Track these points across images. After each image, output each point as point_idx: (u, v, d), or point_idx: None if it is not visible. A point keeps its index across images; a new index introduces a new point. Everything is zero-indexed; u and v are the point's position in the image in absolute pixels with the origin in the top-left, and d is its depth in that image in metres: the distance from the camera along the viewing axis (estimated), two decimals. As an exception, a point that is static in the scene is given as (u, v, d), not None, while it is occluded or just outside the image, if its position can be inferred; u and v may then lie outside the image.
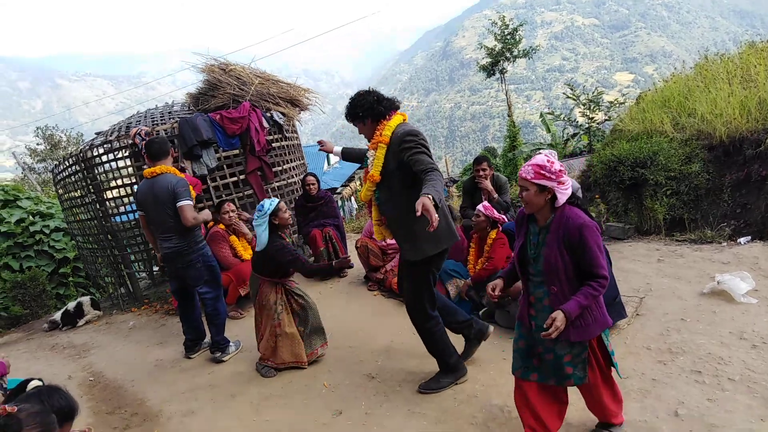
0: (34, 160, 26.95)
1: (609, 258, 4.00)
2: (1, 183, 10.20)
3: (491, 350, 3.85)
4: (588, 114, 15.74)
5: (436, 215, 2.60)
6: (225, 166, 6.46)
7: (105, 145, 6.44)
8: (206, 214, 4.29)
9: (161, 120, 6.63)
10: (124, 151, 6.43)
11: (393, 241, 4.64)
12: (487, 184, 5.47)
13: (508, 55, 27.01)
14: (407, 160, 3.01)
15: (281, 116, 6.95)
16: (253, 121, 6.41)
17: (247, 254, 5.73)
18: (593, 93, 16.23)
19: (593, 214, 6.73)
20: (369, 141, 3.27)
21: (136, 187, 6.54)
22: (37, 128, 27.76)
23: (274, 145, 6.89)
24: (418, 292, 3.33)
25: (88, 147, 6.55)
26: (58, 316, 6.40)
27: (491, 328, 3.76)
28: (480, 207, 4.69)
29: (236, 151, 6.51)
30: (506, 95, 28.70)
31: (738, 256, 4.95)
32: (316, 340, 4.15)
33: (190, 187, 4.27)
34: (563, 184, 2.35)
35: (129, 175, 6.61)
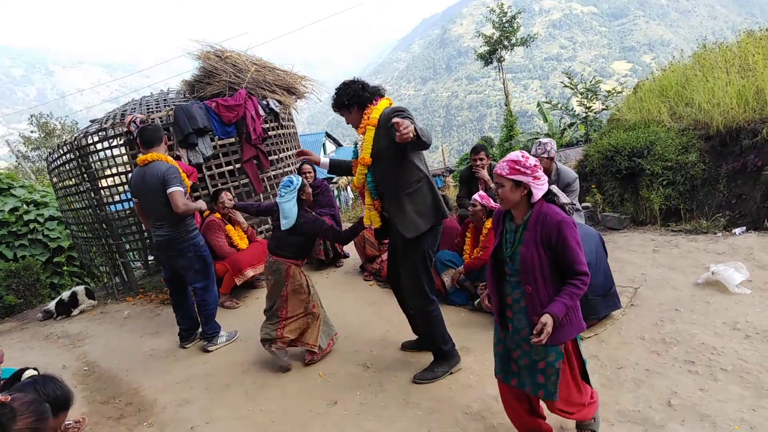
0: (28, 148, 26.81)
1: (605, 248, 4.01)
2: (-6, 171, 10.13)
3: (486, 340, 3.86)
4: (585, 103, 15.70)
5: (410, 126, 2.71)
6: (221, 155, 6.42)
7: (100, 133, 6.39)
8: (201, 204, 4.27)
9: (156, 108, 6.58)
10: (119, 139, 6.38)
11: None
12: (484, 173, 5.47)
13: (506, 43, 26.93)
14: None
15: (278, 104, 6.91)
16: (249, 109, 6.36)
17: (243, 243, 5.71)
18: (591, 82, 16.19)
19: (589, 204, 6.78)
20: (357, 128, 3.30)
21: (131, 175, 6.51)
22: (31, 116, 27.58)
23: (270, 133, 6.85)
24: (416, 275, 3.34)
25: (82, 135, 6.50)
26: (52, 305, 6.38)
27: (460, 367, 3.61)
28: (476, 196, 4.68)
29: (232, 140, 6.47)
30: (503, 84, 28.66)
31: (733, 246, 4.96)
32: (331, 328, 4.13)
33: (184, 175, 4.25)
34: (539, 179, 2.32)
35: (124, 164, 6.56)
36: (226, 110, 6.24)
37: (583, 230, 3.91)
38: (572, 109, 17.19)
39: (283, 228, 3.77)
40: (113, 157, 6.54)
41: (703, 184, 6.29)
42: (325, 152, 30.11)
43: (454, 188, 14.30)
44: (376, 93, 3.23)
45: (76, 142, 6.44)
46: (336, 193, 19.55)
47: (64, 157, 6.80)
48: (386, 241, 5.75)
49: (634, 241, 5.70)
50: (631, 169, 6.40)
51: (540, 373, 2.38)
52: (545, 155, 4.91)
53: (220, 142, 6.38)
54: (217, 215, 5.58)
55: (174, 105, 6.28)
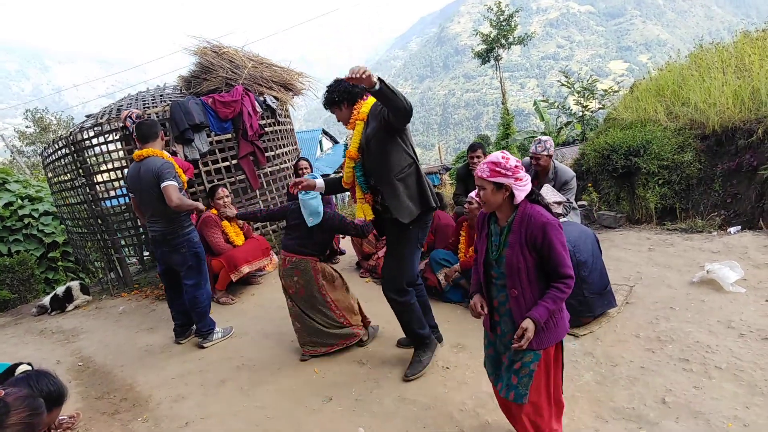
0: (23, 143, 26.67)
1: (599, 247, 4.01)
2: (-11, 166, 10.08)
3: (481, 337, 3.86)
4: (582, 102, 15.73)
5: (364, 70, 2.60)
6: (217, 151, 6.40)
7: (95, 128, 6.35)
8: (199, 204, 4.23)
9: (153, 103, 6.56)
10: (114, 134, 6.35)
11: None
12: (481, 171, 5.46)
13: (503, 41, 26.95)
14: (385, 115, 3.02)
15: (274, 100, 6.89)
16: (246, 105, 6.34)
17: (239, 240, 5.70)
18: (588, 81, 16.20)
19: (585, 203, 6.80)
20: (347, 125, 3.33)
21: (126, 170, 6.48)
22: (27, 111, 27.43)
23: (266, 129, 6.83)
24: (401, 265, 3.37)
25: (78, 130, 6.47)
26: (46, 300, 6.35)
27: (443, 342, 3.84)
28: (472, 194, 4.67)
29: (228, 136, 6.45)
30: (500, 83, 28.65)
31: (728, 245, 4.98)
32: None
33: (180, 171, 4.23)
34: (521, 180, 2.25)
35: (119, 159, 6.53)
36: (223, 106, 6.22)
37: (579, 229, 3.93)
38: (569, 107, 17.21)
39: (310, 225, 3.75)
40: (109, 152, 6.51)
41: (699, 184, 6.32)
42: (321, 149, 30.06)
43: (451, 186, 14.32)
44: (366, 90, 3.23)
45: (71, 137, 6.40)
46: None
47: (59, 152, 6.77)
48: (384, 238, 5.78)
49: (630, 240, 5.72)
50: (627, 168, 6.42)
51: (514, 374, 2.35)
52: (545, 152, 4.92)
53: (216, 138, 6.36)
54: (213, 211, 5.57)
55: (170, 100, 6.26)
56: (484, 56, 27.62)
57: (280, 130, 7.24)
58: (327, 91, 3.31)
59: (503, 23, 26.63)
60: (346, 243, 7.00)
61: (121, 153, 6.44)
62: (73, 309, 6.24)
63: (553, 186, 4.74)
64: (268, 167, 6.89)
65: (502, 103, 26.55)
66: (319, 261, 3.88)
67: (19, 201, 8.81)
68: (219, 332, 4.53)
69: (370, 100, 3.20)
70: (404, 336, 3.96)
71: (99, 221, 6.57)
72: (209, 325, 4.46)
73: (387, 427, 3.00)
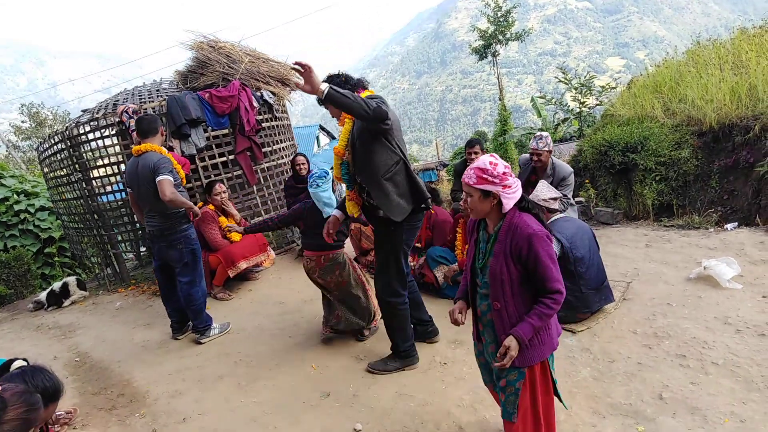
0: (19, 137, 26.53)
1: (597, 243, 4.02)
2: (-16, 160, 10.03)
3: (479, 333, 3.87)
4: (579, 98, 15.74)
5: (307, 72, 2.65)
6: (214, 146, 6.38)
7: (91, 123, 6.33)
8: (195, 209, 4.19)
9: (149, 98, 6.52)
10: (110, 129, 6.32)
11: None
12: (479, 167, 5.46)
13: (500, 37, 26.92)
14: None
15: (271, 96, 6.86)
16: (243, 100, 6.32)
17: (236, 236, 5.68)
18: (585, 77, 16.22)
19: (582, 199, 6.80)
20: (339, 121, 3.30)
21: (123, 166, 6.45)
22: (22, 105, 27.28)
23: (263, 125, 6.81)
24: (386, 265, 3.38)
25: (74, 125, 6.44)
26: (43, 296, 6.33)
27: (438, 335, 3.88)
28: (467, 191, 4.67)
29: (225, 131, 6.43)
30: (498, 79, 28.67)
31: (724, 241, 4.99)
32: None
33: (178, 167, 4.22)
34: (509, 187, 2.13)
35: (116, 154, 6.50)
36: (220, 101, 6.19)
37: (576, 225, 3.93)
38: (566, 104, 17.22)
39: (326, 216, 3.73)
40: (105, 147, 6.49)
41: (696, 180, 6.33)
42: (318, 145, 29.99)
43: (448, 182, 14.31)
44: (358, 85, 3.22)
45: (67, 132, 6.37)
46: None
47: (55, 147, 6.73)
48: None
49: (627, 236, 5.73)
50: (624, 164, 6.43)
51: (501, 391, 2.27)
52: (546, 148, 4.93)
53: (213, 134, 6.34)
54: (211, 207, 5.55)
55: (167, 95, 6.23)
56: (482, 52, 27.59)
57: (277, 126, 7.22)
58: None
59: (500, 19, 26.58)
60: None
61: (117, 148, 6.41)
62: (70, 304, 6.22)
63: (551, 182, 4.75)
64: (265, 163, 6.87)
65: (500, 100, 26.53)
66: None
67: (15, 196, 8.78)
68: (216, 328, 4.52)
69: (365, 95, 3.17)
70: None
71: (95, 216, 6.55)
72: (206, 321, 4.46)
73: (384, 422, 3.00)
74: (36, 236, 8.65)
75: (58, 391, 2.51)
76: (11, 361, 3.39)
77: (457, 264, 4.67)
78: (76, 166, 6.42)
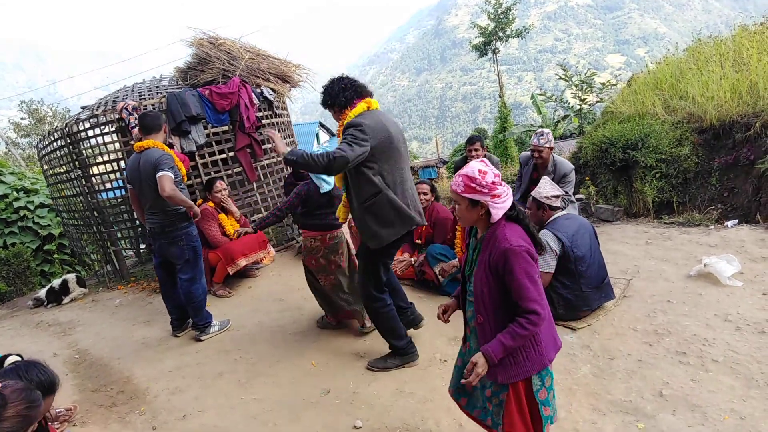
0: (18, 134, 26.50)
1: (597, 239, 4.02)
2: (-17, 157, 10.01)
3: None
4: (580, 95, 15.73)
5: (277, 143, 3.13)
6: (214, 143, 6.36)
7: (91, 120, 6.31)
8: (196, 209, 4.19)
9: (149, 94, 6.51)
10: (110, 126, 6.31)
11: None
12: (479, 164, 5.46)
13: (500, 34, 26.89)
14: None
15: (271, 92, 6.85)
16: (243, 97, 6.30)
17: (238, 233, 5.68)
18: (586, 74, 16.20)
19: (583, 196, 6.79)
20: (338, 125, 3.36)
21: (123, 163, 6.44)
22: (21, 102, 27.24)
23: (264, 122, 6.79)
24: (364, 274, 3.43)
25: (73, 121, 6.42)
26: (42, 293, 6.32)
27: (424, 321, 3.86)
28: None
29: (225, 128, 6.41)
30: (498, 76, 28.64)
31: (725, 239, 4.99)
32: None
33: (180, 164, 4.21)
34: (498, 197, 2.03)
35: (115, 151, 6.49)
36: (220, 98, 6.18)
37: (578, 223, 3.92)
38: (566, 101, 17.20)
39: (324, 191, 3.88)
40: (105, 144, 6.47)
41: (696, 177, 6.33)
42: (318, 142, 29.96)
43: (448, 179, 14.30)
44: (355, 96, 3.19)
45: (67, 129, 6.36)
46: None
47: (54, 144, 6.72)
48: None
49: (628, 233, 5.73)
50: (625, 162, 6.42)
51: (488, 400, 2.21)
52: (547, 145, 4.93)
53: (213, 130, 6.32)
54: (210, 204, 5.54)
55: (167, 92, 6.21)
56: (482, 49, 27.57)
57: (277, 123, 7.21)
58: (323, 92, 3.32)
59: (501, 16, 26.56)
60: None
61: (117, 145, 6.39)
62: (70, 302, 6.22)
63: (552, 179, 4.74)
64: (265, 159, 6.86)
65: (500, 97, 26.51)
66: None
67: (15, 193, 8.76)
68: (216, 325, 4.52)
69: (355, 111, 3.17)
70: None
71: (95, 213, 6.54)
72: (206, 318, 4.45)
73: (384, 419, 3.00)
74: (35, 233, 8.64)
75: (53, 385, 2.51)
76: (5, 356, 3.39)
77: (456, 261, 4.68)
78: (76, 163, 6.41)
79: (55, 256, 8.77)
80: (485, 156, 5.64)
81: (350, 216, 3.51)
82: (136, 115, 5.81)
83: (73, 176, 6.54)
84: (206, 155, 6.30)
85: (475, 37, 28.03)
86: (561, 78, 16.77)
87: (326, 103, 3.29)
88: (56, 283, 6.34)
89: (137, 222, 6.55)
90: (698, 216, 5.75)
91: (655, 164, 6.27)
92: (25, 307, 6.40)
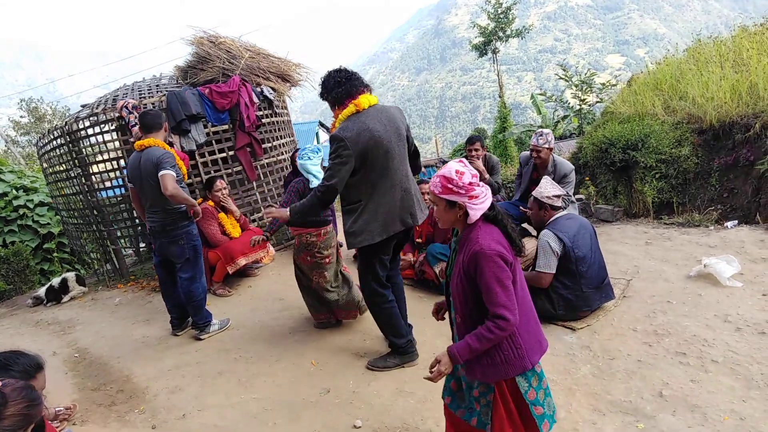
0: (18, 133, 26.47)
1: (597, 240, 4.02)
2: (-17, 156, 10.00)
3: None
4: (580, 96, 15.72)
5: (276, 215, 3.30)
6: (214, 142, 6.36)
7: (91, 118, 6.30)
8: (197, 208, 4.19)
9: (149, 93, 6.50)
10: (110, 124, 6.30)
11: None
12: (479, 164, 5.48)
13: (500, 34, 26.88)
14: None
15: (272, 91, 6.84)
16: (243, 95, 6.30)
17: (236, 232, 5.68)
18: (585, 74, 16.20)
19: (583, 196, 6.80)
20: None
21: (122, 161, 6.43)
22: (21, 100, 27.21)
23: (264, 121, 6.78)
24: (362, 268, 3.47)
25: (73, 120, 6.41)
26: (42, 291, 6.31)
27: (418, 359, 3.65)
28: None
29: (225, 127, 6.40)
30: (498, 76, 28.64)
31: (724, 239, 4.99)
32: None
33: (181, 163, 4.21)
34: (476, 198, 2.02)
35: (115, 149, 6.48)
36: (220, 97, 6.17)
37: (579, 223, 3.92)
38: (566, 101, 17.20)
39: (313, 186, 3.98)
40: (104, 142, 6.46)
41: (696, 178, 6.33)
42: (318, 141, 29.96)
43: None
44: (346, 96, 3.18)
45: (66, 127, 6.35)
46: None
47: (54, 143, 6.71)
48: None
49: (628, 234, 5.73)
50: (625, 162, 6.42)
51: (475, 401, 2.21)
52: (546, 145, 4.93)
53: (213, 129, 6.31)
54: (210, 203, 5.54)
55: (166, 91, 6.21)
56: (482, 49, 27.56)
57: (277, 122, 7.20)
58: (320, 85, 3.32)
59: (501, 16, 26.55)
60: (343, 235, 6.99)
61: (116, 143, 6.38)
62: (69, 300, 6.21)
63: (552, 179, 4.74)
64: (265, 159, 6.86)
65: (499, 97, 26.49)
66: None
67: (14, 191, 8.75)
68: (216, 324, 4.52)
69: (345, 113, 3.18)
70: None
71: (95, 212, 6.53)
72: (206, 317, 4.45)
73: (384, 419, 3.01)
74: (35, 232, 8.62)
75: (38, 363, 2.56)
76: None
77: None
78: (76, 161, 6.40)
79: (55, 254, 8.76)
80: (485, 155, 5.64)
81: None
82: (136, 114, 5.80)
83: (72, 174, 6.53)
84: (206, 154, 6.29)
85: (475, 37, 28.02)
86: (561, 78, 16.77)
87: (322, 95, 3.29)
88: (56, 281, 6.33)
89: (137, 221, 6.55)
90: (698, 216, 5.75)
91: (655, 165, 6.28)
92: (25, 305, 6.39)
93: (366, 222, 3.23)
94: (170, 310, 4.58)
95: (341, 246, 6.46)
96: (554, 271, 3.76)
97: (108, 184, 6.82)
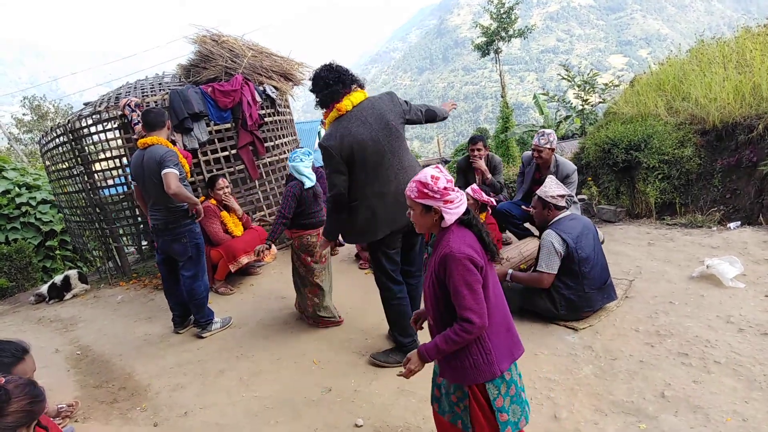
0: (21, 130, 26.50)
1: (599, 241, 4.01)
2: (-14, 153, 10.03)
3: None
4: (582, 96, 15.69)
5: (325, 247, 3.58)
6: (216, 140, 6.37)
7: (93, 116, 6.31)
8: (199, 208, 4.19)
9: (151, 91, 6.51)
10: (113, 122, 6.31)
11: None
12: (481, 163, 5.48)
13: (503, 34, 26.86)
14: None
15: (274, 90, 6.85)
16: (246, 94, 6.30)
17: (238, 230, 5.68)
18: (588, 75, 16.17)
19: (585, 197, 6.79)
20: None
21: (125, 159, 6.44)
22: (24, 98, 27.23)
23: (266, 119, 6.79)
24: (373, 264, 3.53)
25: (76, 118, 6.42)
26: (44, 289, 6.33)
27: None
28: (468, 190, 4.67)
29: (228, 125, 6.41)
30: (500, 76, 28.61)
31: (727, 240, 4.98)
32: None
33: (184, 161, 4.21)
34: (451, 202, 2.04)
35: (118, 147, 6.49)
36: (222, 95, 6.18)
37: (582, 223, 3.91)
38: (569, 101, 17.18)
39: (307, 186, 4.20)
40: (107, 140, 6.47)
41: (698, 179, 6.31)
42: (320, 139, 29.94)
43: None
44: (331, 99, 3.19)
45: (69, 125, 6.36)
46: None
47: (57, 140, 6.72)
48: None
49: (630, 234, 5.72)
50: (627, 162, 6.41)
51: (455, 405, 2.23)
52: (548, 145, 4.93)
53: (215, 128, 6.32)
54: (213, 201, 5.55)
55: (169, 89, 6.21)
56: (484, 49, 27.55)
57: (279, 121, 7.21)
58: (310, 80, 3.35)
59: (503, 15, 26.54)
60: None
61: (119, 141, 6.40)
62: (71, 298, 6.23)
63: (555, 179, 4.74)
64: (267, 157, 6.86)
65: (502, 97, 26.48)
66: None
67: (17, 189, 8.77)
68: (218, 322, 4.53)
69: (330, 117, 3.23)
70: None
71: (97, 210, 6.54)
72: (208, 315, 4.46)
73: (386, 418, 3.01)
74: (37, 229, 8.64)
75: (25, 347, 2.60)
76: None
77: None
78: (78, 159, 6.42)
79: (57, 252, 8.78)
80: (488, 155, 5.64)
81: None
82: (138, 112, 5.82)
83: (75, 172, 6.54)
84: (208, 152, 6.30)
85: (478, 37, 28.01)
86: (563, 78, 16.74)
87: (312, 92, 3.33)
88: (58, 279, 6.35)
89: (139, 218, 6.55)
90: (701, 217, 5.74)
91: (657, 165, 6.26)
92: (27, 303, 6.41)
93: (365, 220, 3.27)
94: (172, 308, 4.59)
95: (342, 245, 6.48)
96: (556, 272, 3.75)
97: (110, 182, 6.84)
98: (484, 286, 2.03)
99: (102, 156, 6.69)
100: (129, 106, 5.93)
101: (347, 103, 3.16)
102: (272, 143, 6.96)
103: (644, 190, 6.31)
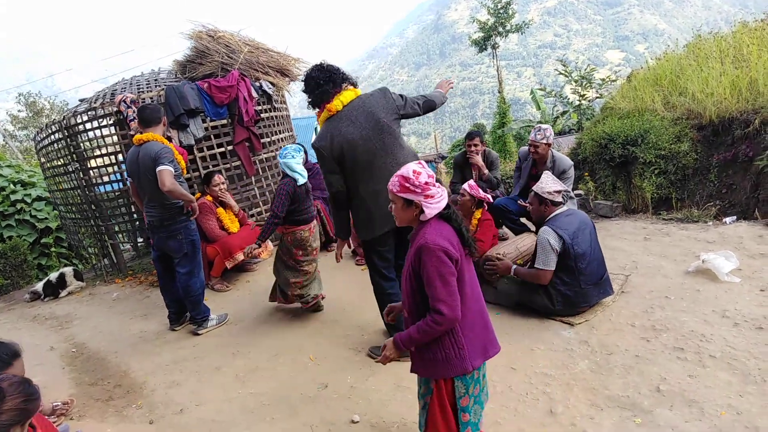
0: (16, 127, 26.39)
1: (596, 236, 4.00)
2: (-20, 150, 9.98)
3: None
4: (579, 91, 15.68)
5: (341, 249, 3.68)
6: (212, 136, 6.34)
7: (89, 113, 6.28)
8: (195, 206, 4.18)
9: (147, 87, 6.48)
10: (108, 118, 6.28)
11: None
12: (478, 159, 5.47)
13: (500, 29, 26.82)
14: None
15: (270, 86, 6.82)
16: (242, 90, 6.28)
17: (234, 227, 5.67)
18: (585, 70, 16.17)
19: (582, 192, 6.79)
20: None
21: (120, 156, 6.42)
22: (19, 95, 27.10)
23: (262, 115, 6.77)
24: (366, 261, 3.59)
25: (71, 114, 6.39)
26: (39, 286, 6.31)
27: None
28: (465, 186, 4.65)
29: (224, 121, 6.39)
30: (497, 71, 28.60)
31: (723, 235, 4.98)
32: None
33: (180, 157, 4.20)
34: (432, 197, 2.06)
35: (113, 144, 6.46)
36: (219, 91, 6.15)
37: (579, 218, 3.91)
38: (566, 97, 17.18)
39: (300, 183, 4.22)
40: (102, 137, 6.44)
41: (695, 174, 6.32)
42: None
43: (447, 175, 14.30)
44: (320, 100, 3.21)
45: (64, 122, 6.33)
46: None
47: (52, 137, 6.69)
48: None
49: (626, 229, 5.72)
50: (624, 157, 6.41)
51: (420, 399, 2.28)
52: (544, 141, 4.91)
53: (211, 124, 6.30)
54: (209, 198, 5.53)
55: (165, 85, 6.18)
56: (481, 44, 27.51)
57: (275, 116, 7.18)
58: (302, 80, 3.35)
59: (500, 11, 26.50)
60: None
61: (114, 138, 6.37)
62: (67, 295, 6.21)
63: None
64: (264, 154, 6.84)
65: (499, 92, 26.47)
66: None
67: (12, 186, 8.73)
68: (214, 319, 4.52)
69: (321, 118, 3.26)
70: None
71: (92, 207, 6.52)
72: (204, 312, 4.45)
73: (382, 414, 3.00)
74: (32, 226, 8.61)
75: (16, 351, 2.58)
76: None
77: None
78: (74, 155, 6.38)
79: (52, 249, 8.75)
80: (485, 151, 5.63)
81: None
82: (134, 108, 5.79)
83: (70, 169, 6.51)
84: (204, 149, 6.28)
85: (475, 32, 27.97)
86: (561, 73, 16.73)
87: (305, 93, 3.35)
88: (53, 276, 6.33)
89: (135, 215, 6.54)
90: (697, 212, 5.74)
91: (654, 160, 6.27)
92: (22, 300, 6.39)
93: (360, 219, 3.34)
94: (168, 305, 4.58)
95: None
96: (553, 269, 3.75)
97: (106, 178, 6.81)
98: (460, 280, 2.04)
99: (97, 152, 6.66)
100: (125, 102, 5.90)
101: (337, 102, 3.16)
102: (268, 139, 6.94)
103: (641, 185, 6.32)
